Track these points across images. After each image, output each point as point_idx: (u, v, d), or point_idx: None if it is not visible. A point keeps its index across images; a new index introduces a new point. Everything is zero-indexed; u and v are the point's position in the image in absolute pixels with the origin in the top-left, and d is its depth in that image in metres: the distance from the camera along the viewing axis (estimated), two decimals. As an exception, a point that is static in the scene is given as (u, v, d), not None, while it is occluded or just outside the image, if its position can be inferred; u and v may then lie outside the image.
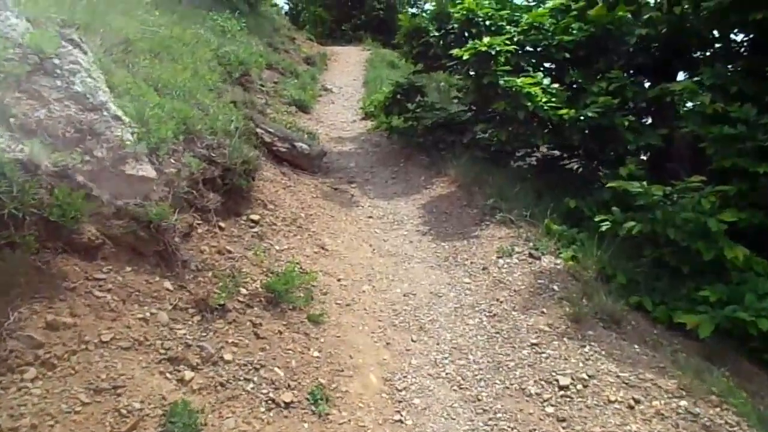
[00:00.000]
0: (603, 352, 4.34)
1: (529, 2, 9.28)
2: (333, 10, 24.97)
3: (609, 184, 6.06)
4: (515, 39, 7.77)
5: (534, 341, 4.43)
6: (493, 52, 7.07)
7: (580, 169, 8.65)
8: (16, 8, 4.16)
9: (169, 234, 3.84)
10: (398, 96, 9.49)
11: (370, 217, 6.77)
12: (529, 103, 7.09)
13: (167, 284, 3.68)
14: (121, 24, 5.39)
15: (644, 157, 8.11)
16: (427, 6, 26.33)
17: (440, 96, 11.62)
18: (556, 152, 9.00)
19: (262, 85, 11.21)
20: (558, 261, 5.73)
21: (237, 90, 8.21)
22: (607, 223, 5.82)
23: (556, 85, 7.57)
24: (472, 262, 5.69)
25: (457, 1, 8.00)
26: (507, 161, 8.69)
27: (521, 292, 5.13)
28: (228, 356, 3.45)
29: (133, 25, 5.75)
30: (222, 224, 4.70)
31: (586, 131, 7.51)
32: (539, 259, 5.72)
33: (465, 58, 7.17)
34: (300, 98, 11.66)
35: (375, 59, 17.82)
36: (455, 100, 10.33)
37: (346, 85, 14.64)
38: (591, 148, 7.87)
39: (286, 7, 27.76)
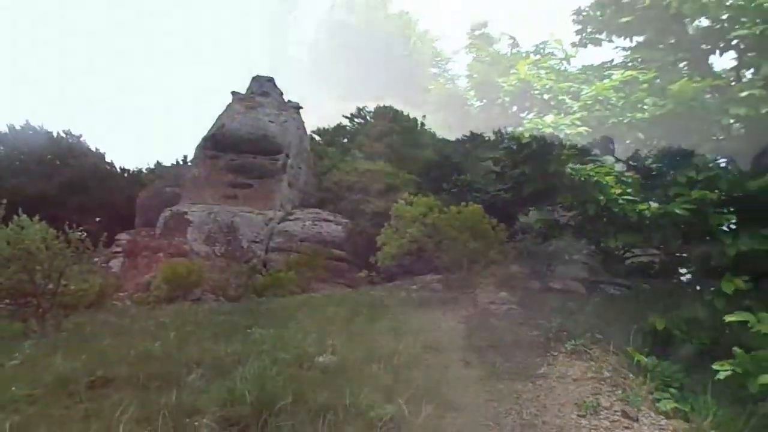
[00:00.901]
0: None
1: (586, 73, 8.05)
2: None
3: (729, 319, 4.56)
4: (578, 115, 6.48)
5: None
6: (562, 135, 5.76)
7: (654, 269, 7.16)
8: None
9: None
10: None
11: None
12: (601, 196, 5.70)
13: None
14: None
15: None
16: (450, 66, 25.73)
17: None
18: (619, 244, 7.55)
19: None
20: (662, 421, 4.16)
21: None
22: (728, 369, 4.30)
23: (630, 174, 6.20)
24: (544, 422, 4.10)
25: (512, 71, 6.76)
26: (561, 255, 7.26)
27: (625, 485, 3.54)
28: None
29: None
30: None
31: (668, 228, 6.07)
32: (636, 420, 4.14)
33: (524, 141, 5.79)
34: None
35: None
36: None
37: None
38: (673, 248, 6.41)
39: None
